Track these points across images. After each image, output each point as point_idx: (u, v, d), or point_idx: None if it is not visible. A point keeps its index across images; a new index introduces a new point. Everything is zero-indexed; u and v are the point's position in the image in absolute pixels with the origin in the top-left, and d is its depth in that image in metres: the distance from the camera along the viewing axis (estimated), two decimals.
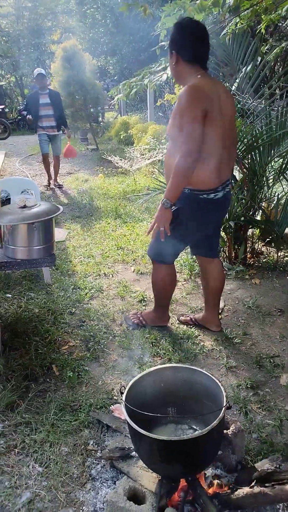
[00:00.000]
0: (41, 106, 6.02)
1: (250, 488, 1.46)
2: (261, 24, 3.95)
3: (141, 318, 2.66)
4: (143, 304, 2.97)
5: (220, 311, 2.82)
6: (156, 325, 2.63)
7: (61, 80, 8.97)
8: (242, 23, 3.74)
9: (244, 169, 3.34)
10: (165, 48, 4.19)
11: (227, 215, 3.29)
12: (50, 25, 16.71)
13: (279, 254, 3.49)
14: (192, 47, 2.06)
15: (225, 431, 1.59)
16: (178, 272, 3.44)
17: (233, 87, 3.85)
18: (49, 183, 6.58)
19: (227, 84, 4.19)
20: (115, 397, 2.05)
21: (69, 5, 15.71)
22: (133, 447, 1.59)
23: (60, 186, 6.52)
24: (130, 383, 1.57)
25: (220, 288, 2.56)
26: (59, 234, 4.20)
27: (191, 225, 2.24)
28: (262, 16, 3.74)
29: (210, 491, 1.47)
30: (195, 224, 2.24)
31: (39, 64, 16.01)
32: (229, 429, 1.61)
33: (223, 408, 1.40)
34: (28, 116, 6.37)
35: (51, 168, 6.60)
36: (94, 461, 1.70)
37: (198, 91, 1.99)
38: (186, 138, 1.95)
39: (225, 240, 3.46)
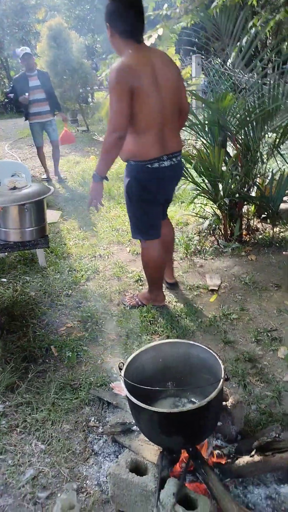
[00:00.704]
0: (31, 90, 5.29)
1: (250, 457, 1.49)
2: None
3: (137, 299, 2.67)
4: (140, 284, 2.96)
5: (217, 288, 2.83)
6: (153, 305, 2.64)
7: (48, 60, 8.75)
8: None
9: (238, 145, 3.31)
10: (152, 18, 4.09)
11: (221, 192, 3.27)
12: (34, 4, 16.20)
13: (274, 230, 3.48)
14: (125, 21, 2.07)
15: (224, 402, 1.60)
16: (174, 251, 3.43)
17: (228, 63, 3.77)
18: (48, 177, 5.89)
19: (219, 60, 4.12)
20: (114, 375, 2.06)
21: None
22: (134, 421, 1.61)
23: (62, 180, 5.78)
24: (128, 359, 1.58)
25: (173, 240, 2.81)
26: (51, 215, 4.16)
27: (147, 193, 2.31)
28: None
29: (211, 461, 1.49)
30: (150, 192, 2.31)
31: (25, 44, 15.58)
32: (228, 400, 1.63)
33: (221, 380, 1.41)
34: (24, 96, 5.25)
35: (49, 160, 5.89)
36: (96, 437, 1.72)
37: (122, 71, 2.02)
38: (111, 115, 2.04)
39: (220, 217, 3.45)
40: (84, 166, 6.50)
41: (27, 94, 5.23)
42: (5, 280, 3.03)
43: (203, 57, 6.35)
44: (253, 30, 3.75)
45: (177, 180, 2.51)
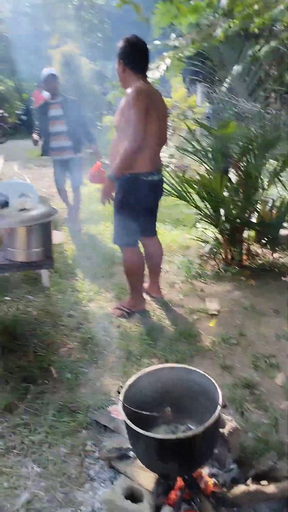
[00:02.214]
0: (52, 120, 4.32)
1: (246, 486, 1.48)
2: (253, 25, 3.99)
3: (122, 308, 2.84)
4: None
5: (216, 312, 2.85)
6: (137, 309, 2.83)
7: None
8: (235, 23, 3.78)
9: (240, 171, 3.38)
10: (158, 46, 4.25)
11: (223, 217, 3.32)
12: (49, 30, 16.77)
13: (274, 256, 3.51)
14: (138, 59, 2.55)
15: (221, 430, 1.61)
16: (175, 274, 3.47)
17: (224, 88, 3.90)
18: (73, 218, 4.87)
19: (223, 88, 4.24)
20: (112, 398, 2.07)
21: (67, 10, 15.80)
22: (130, 447, 1.61)
23: (80, 230, 4.72)
24: (127, 383, 1.59)
25: (160, 259, 3.03)
26: (57, 236, 4.21)
27: (136, 203, 2.60)
28: (255, 19, 3.79)
29: (207, 489, 1.49)
30: (139, 202, 2.60)
31: (37, 69, 16.05)
32: (225, 428, 1.63)
33: (218, 407, 1.42)
34: (33, 135, 4.45)
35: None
36: (92, 462, 1.72)
37: (142, 92, 2.44)
38: (134, 128, 2.38)
39: (221, 242, 3.49)
40: (91, 187, 6.57)
41: (35, 135, 4.41)
42: (9, 298, 3.07)
43: (208, 85, 6.54)
44: (254, 57, 3.89)
45: (160, 194, 2.83)
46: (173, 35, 4.42)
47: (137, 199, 2.58)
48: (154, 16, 3.90)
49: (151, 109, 2.45)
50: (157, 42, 4.23)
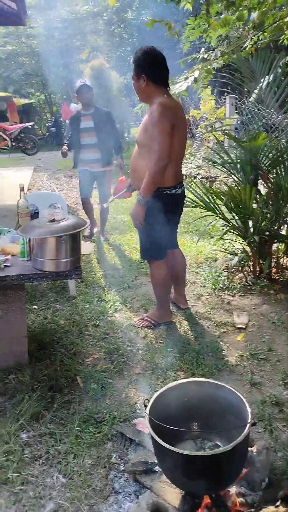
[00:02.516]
0: (82, 132, 4.24)
1: (275, 507, 1.43)
2: (283, 36, 3.97)
3: (148, 319, 2.84)
4: None
5: (244, 326, 2.80)
6: (163, 321, 2.83)
7: None
8: (265, 37, 3.78)
9: (269, 183, 3.34)
10: (189, 61, 4.28)
11: (251, 229, 3.28)
12: (79, 45, 17.23)
13: None
14: (159, 72, 2.48)
15: (249, 448, 1.56)
16: (202, 286, 3.44)
17: (253, 99, 3.88)
18: (92, 232, 4.74)
19: (252, 99, 4.22)
20: (138, 411, 2.05)
21: (97, 25, 16.20)
22: (156, 461, 1.59)
23: (106, 240, 4.68)
24: (154, 396, 1.58)
25: (184, 270, 3.05)
26: (85, 247, 4.27)
27: (162, 217, 2.59)
28: (286, 31, 3.77)
29: (234, 509, 1.45)
30: (164, 216, 2.60)
31: (68, 83, 16.47)
32: (253, 446, 1.59)
33: (248, 425, 1.39)
34: (64, 147, 4.31)
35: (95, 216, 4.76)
36: (117, 474, 1.71)
37: (168, 108, 2.40)
38: (158, 146, 2.37)
39: (250, 254, 3.44)
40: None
41: (65, 147, 4.29)
42: (36, 307, 3.12)
43: (237, 97, 6.52)
44: (284, 68, 3.86)
45: (183, 206, 2.84)
46: (203, 50, 4.45)
47: (163, 213, 2.57)
48: (184, 30, 3.95)
49: (176, 125, 2.43)
50: (188, 57, 4.27)
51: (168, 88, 2.56)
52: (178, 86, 3.53)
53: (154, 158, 2.37)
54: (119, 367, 2.41)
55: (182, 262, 3.01)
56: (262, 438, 1.70)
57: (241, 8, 3.53)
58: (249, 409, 1.46)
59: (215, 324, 2.85)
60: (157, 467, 1.63)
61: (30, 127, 13.49)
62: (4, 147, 12.35)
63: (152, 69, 2.45)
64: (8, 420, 1.96)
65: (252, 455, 1.56)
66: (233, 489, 1.53)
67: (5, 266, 2.19)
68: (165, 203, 2.56)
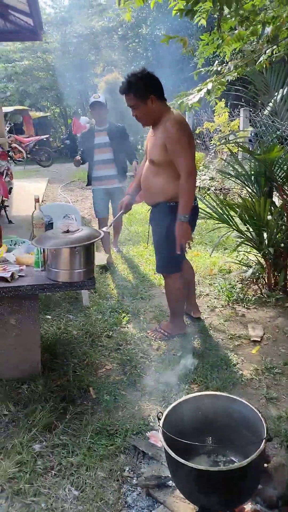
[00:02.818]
0: (97, 148, 4.10)
1: None
2: None
3: (161, 331, 2.83)
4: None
5: (259, 339, 2.76)
6: (177, 333, 2.81)
7: None
8: (279, 51, 3.80)
9: (284, 195, 3.32)
10: (202, 73, 4.32)
11: (266, 241, 3.26)
12: (94, 59, 17.58)
13: None
14: (161, 88, 2.48)
15: (265, 464, 1.53)
16: (215, 298, 3.41)
17: (267, 112, 3.88)
18: (109, 259, 4.31)
19: (266, 111, 4.24)
20: (151, 424, 2.03)
21: (112, 40, 16.52)
22: (169, 476, 1.57)
23: (120, 251, 4.57)
24: (167, 409, 1.56)
25: (193, 277, 3.11)
26: (99, 258, 4.29)
27: (193, 223, 2.62)
28: None
29: None
30: (193, 222, 2.63)
31: (83, 96, 16.76)
32: (269, 462, 1.56)
33: (264, 440, 1.36)
34: (77, 157, 4.20)
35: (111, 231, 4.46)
36: (130, 488, 1.68)
37: (184, 123, 2.45)
38: (187, 162, 2.40)
39: (264, 266, 3.41)
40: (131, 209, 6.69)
41: (78, 157, 4.17)
42: (50, 317, 3.13)
43: (251, 110, 6.55)
44: None
45: (197, 218, 2.83)
46: (216, 62, 4.49)
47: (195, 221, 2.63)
48: (198, 45, 3.99)
49: (191, 137, 2.50)
50: (201, 69, 4.31)
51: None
52: (191, 98, 3.55)
53: (186, 174, 2.40)
54: (132, 378, 2.40)
55: (191, 272, 3.05)
56: (278, 454, 1.67)
57: (254, 23, 3.56)
58: (265, 424, 1.43)
59: (229, 337, 2.82)
60: (170, 481, 1.60)
61: (45, 139, 13.76)
62: (19, 159, 12.59)
63: (157, 86, 2.47)
64: (21, 430, 1.96)
65: (268, 471, 1.53)
66: (248, 506, 1.49)
67: (20, 276, 2.21)
68: (194, 215, 2.61)
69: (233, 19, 3.47)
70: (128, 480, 1.72)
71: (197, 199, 2.73)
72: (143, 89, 2.41)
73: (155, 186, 2.58)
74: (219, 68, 4.30)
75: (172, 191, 2.50)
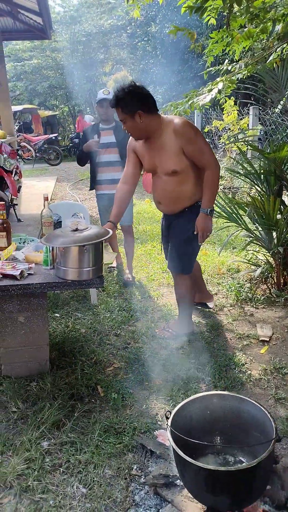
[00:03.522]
0: (101, 148, 3.65)
1: None
2: None
3: (170, 330, 2.84)
4: None
5: (268, 339, 2.74)
6: (185, 332, 2.81)
7: None
8: None
9: None
10: (212, 73, 4.30)
11: (275, 241, 3.24)
12: (103, 58, 17.61)
13: None
14: (151, 100, 2.39)
15: (274, 465, 1.52)
16: (224, 297, 3.40)
17: (277, 110, 3.85)
18: (118, 263, 4.10)
19: (277, 109, 4.21)
20: (159, 422, 2.03)
21: (121, 39, 16.53)
22: (177, 475, 1.57)
23: (131, 279, 3.80)
24: (176, 408, 1.56)
25: (200, 273, 3.18)
26: (107, 256, 4.28)
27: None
28: None
29: None
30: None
31: (91, 95, 16.78)
32: (278, 463, 1.55)
33: (273, 440, 1.35)
34: (93, 141, 3.68)
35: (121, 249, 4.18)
36: (138, 487, 1.68)
37: (188, 122, 2.43)
38: (209, 156, 2.43)
39: (273, 265, 3.39)
40: (139, 208, 6.71)
41: (96, 136, 3.69)
42: (58, 315, 3.14)
43: (261, 108, 6.50)
44: None
45: None
46: (226, 61, 4.46)
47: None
48: (207, 43, 3.97)
49: None
50: (210, 68, 4.29)
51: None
52: (202, 98, 3.54)
53: (212, 167, 2.42)
54: (140, 377, 2.40)
55: (198, 267, 3.11)
56: (287, 455, 1.65)
57: (265, 20, 3.53)
58: (274, 424, 1.42)
59: (237, 336, 2.81)
60: (178, 480, 1.60)
61: (54, 138, 13.80)
62: (28, 157, 12.66)
63: (145, 101, 2.37)
64: (30, 428, 1.97)
65: (277, 472, 1.52)
66: (256, 506, 1.49)
67: (29, 274, 2.22)
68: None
69: (243, 16, 3.45)
70: (136, 479, 1.72)
71: None
72: (130, 104, 2.33)
73: (183, 194, 2.52)
74: (229, 67, 4.29)
75: (200, 191, 2.51)
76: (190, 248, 2.66)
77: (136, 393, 2.27)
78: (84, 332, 2.89)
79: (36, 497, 1.64)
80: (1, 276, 2.14)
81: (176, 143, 2.37)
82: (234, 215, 3.34)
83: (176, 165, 2.42)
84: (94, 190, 3.90)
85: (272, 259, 3.40)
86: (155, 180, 2.61)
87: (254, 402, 1.56)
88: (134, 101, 2.32)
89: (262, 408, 1.51)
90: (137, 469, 1.77)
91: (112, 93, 3.94)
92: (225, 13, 3.15)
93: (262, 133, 5.94)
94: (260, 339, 2.75)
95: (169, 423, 1.48)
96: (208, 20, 3.57)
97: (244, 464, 1.48)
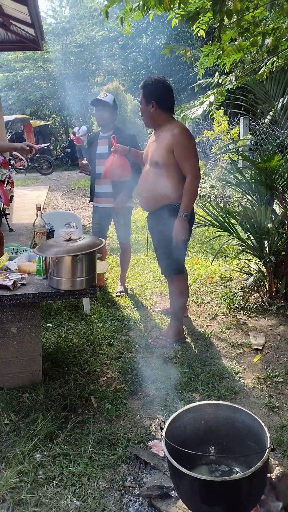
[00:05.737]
0: (98, 159, 3.32)
1: None
2: None
3: (163, 338, 2.86)
4: None
5: (261, 348, 2.76)
6: (177, 339, 2.84)
7: None
8: (279, 62, 3.84)
9: (285, 203, 3.33)
10: (203, 85, 4.36)
11: (267, 249, 3.27)
12: (94, 69, 17.74)
13: None
14: (168, 99, 2.65)
15: (268, 474, 1.52)
16: (217, 306, 3.41)
17: (267, 120, 3.91)
18: (125, 289, 3.74)
19: (266, 120, 4.28)
20: (153, 433, 2.02)
21: (112, 50, 16.68)
22: (172, 486, 1.56)
23: (123, 291, 3.69)
24: (170, 419, 1.56)
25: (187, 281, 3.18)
26: (100, 266, 4.27)
27: (190, 232, 2.74)
28: None
29: None
30: (190, 231, 2.75)
31: (83, 105, 16.86)
32: (272, 472, 1.55)
33: (267, 450, 1.35)
34: (83, 161, 3.39)
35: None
36: (132, 499, 1.67)
37: (189, 131, 2.63)
38: (193, 165, 2.58)
39: (265, 274, 3.42)
40: (132, 217, 6.70)
41: (85, 160, 3.39)
42: (51, 325, 3.12)
43: (251, 118, 6.60)
44: None
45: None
46: (217, 74, 4.53)
47: (189, 228, 2.72)
48: (198, 55, 4.03)
49: (195, 145, 2.66)
50: (201, 81, 4.36)
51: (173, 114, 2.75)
52: (194, 111, 3.59)
53: (192, 176, 2.56)
54: (133, 387, 2.39)
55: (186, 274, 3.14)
56: (281, 464, 1.65)
57: (255, 34, 3.61)
58: (268, 434, 1.43)
59: (230, 345, 2.81)
60: (173, 491, 1.59)
61: (46, 147, 13.83)
62: (20, 167, 12.62)
63: (161, 96, 2.62)
64: (22, 440, 1.95)
65: (271, 482, 1.52)
66: None
67: (22, 284, 2.21)
68: (191, 219, 2.75)
69: (233, 30, 3.51)
70: (130, 490, 1.71)
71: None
72: (149, 93, 2.62)
73: (160, 188, 2.63)
74: (220, 80, 4.35)
75: (177, 192, 2.60)
76: (177, 250, 2.72)
77: (129, 403, 2.25)
78: (77, 342, 2.88)
79: (30, 510, 1.62)
80: None
81: (169, 141, 2.56)
82: (226, 224, 3.37)
83: (160, 157, 2.59)
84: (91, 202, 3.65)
85: (264, 267, 3.43)
86: (143, 171, 2.81)
87: (248, 411, 1.56)
88: (153, 92, 2.61)
89: (256, 417, 1.51)
90: (131, 480, 1.76)
91: (110, 97, 3.76)
92: (215, 26, 3.22)
93: (252, 143, 6.02)
94: (253, 347, 2.76)
95: (163, 434, 1.47)
96: (198, 32, 3.63)
97: (238, 474, 1.48)
